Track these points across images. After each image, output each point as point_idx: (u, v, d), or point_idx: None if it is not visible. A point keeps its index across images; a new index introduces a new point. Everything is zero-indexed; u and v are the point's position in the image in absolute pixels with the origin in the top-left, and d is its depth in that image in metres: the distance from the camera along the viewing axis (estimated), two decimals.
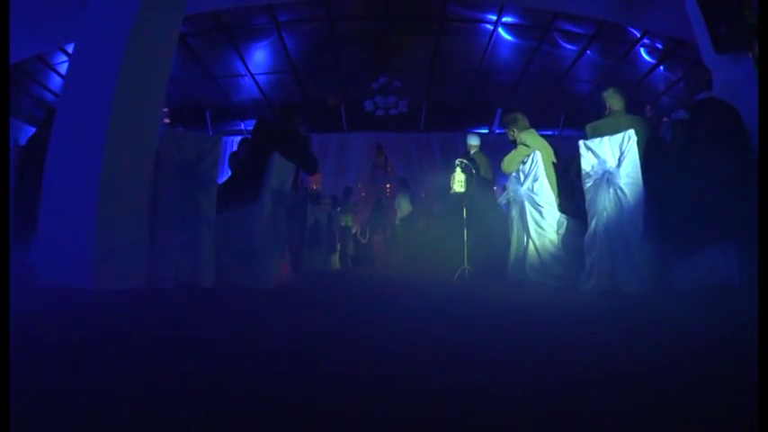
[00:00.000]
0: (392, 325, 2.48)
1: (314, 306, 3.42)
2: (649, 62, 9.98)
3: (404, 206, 10.41)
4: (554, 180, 4.72)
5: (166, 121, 8.17)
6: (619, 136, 4.02)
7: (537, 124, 5.40)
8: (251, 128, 5.34)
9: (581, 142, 4.24)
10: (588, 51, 9.79)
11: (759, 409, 0.83)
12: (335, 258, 9.16)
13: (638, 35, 9.16)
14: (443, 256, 6.41)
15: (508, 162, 5.16)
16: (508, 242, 5.06)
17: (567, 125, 11.80)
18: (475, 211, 5.67)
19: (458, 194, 5.72)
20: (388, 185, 13.13)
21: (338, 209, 9.69)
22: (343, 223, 9.77)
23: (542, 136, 5.14)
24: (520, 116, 5.30)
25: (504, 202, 5.16)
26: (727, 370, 1.36)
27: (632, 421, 0.95)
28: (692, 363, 1.49)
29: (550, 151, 4.96)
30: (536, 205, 4.62)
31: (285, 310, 3.07)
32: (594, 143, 4.14)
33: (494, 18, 8.98)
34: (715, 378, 1.28)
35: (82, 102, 3.90)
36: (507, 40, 9.64)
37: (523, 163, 4.83)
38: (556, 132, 11.88)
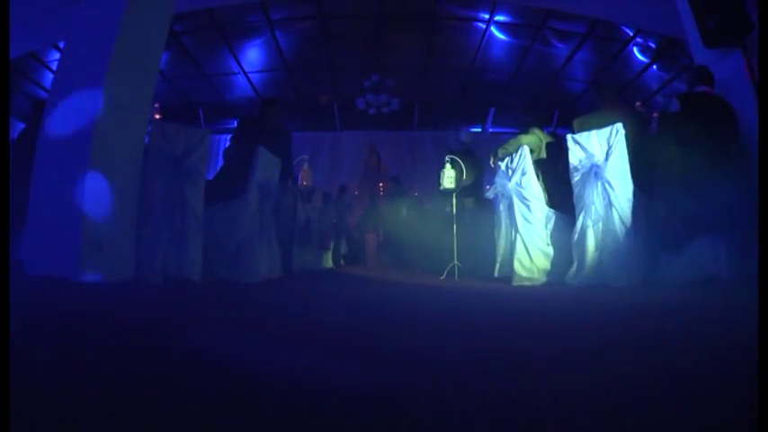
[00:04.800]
0: (376, 313, 2.49)
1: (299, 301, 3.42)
2: (642, 61, 10.00)
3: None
4: (539, 174, 4.73)
5: (157, 116, 8.14)
6: (606, 130, 4.02)
7: (531, 123, 5.42)
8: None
9: (569, 136, 4.24)
10: (581, 50, 9.80)
11: (759, 409, 0.82)
12: (328, 257, 9.13)
13: (631, 34, 9.17)
14: (434, 253, 6.43)
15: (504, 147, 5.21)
16: (496, 238, 5.05)
17: (561, 124, 11.81)
18: (462, 206, 5.69)
19: (448, 190, 5.74)
20: (381, 184, 13.12)
21: (328, 206, 9.65)
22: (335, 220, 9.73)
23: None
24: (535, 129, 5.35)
25: (492, 196, 5.17)
26: (717, 364, 1.34)
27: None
28: (681, 357, 1.47)
29: (540, 146, 4.98)
30: (524, 200, 4.61)
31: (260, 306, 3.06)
32: (582, 137, 4.14)
33: (486, 16, 8.98)
34: (705, 372, 1.27)
35: (71, 96, 3.90)
36: (500, 39, 9.64)
37: (511, 158, 4.83)
38: (549, 130, 11.86)
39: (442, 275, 5.48)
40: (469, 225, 5.92)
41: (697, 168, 3.75)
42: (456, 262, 5.43)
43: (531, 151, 4.80)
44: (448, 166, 5.72)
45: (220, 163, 6.48)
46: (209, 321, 2.12)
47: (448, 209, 5.85)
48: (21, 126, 6.64)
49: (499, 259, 4.94)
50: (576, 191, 4.17)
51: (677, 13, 4.82)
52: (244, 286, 3.96)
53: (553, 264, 4.53)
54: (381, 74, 10.55)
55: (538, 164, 4.82)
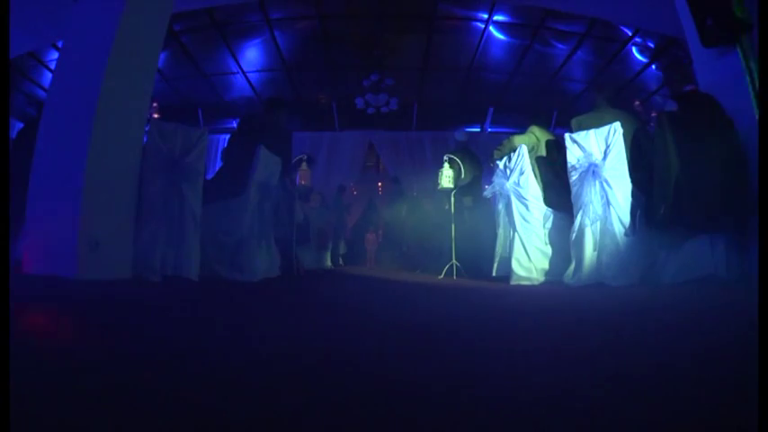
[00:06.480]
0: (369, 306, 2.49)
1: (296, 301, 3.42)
2: (641, 61, 10.00)
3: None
4: (539, 173, 4.72)
5: (155, 116, 8.13)
6: (605, 128, 4.02)
7: (528, 122, 5.40)
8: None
9: (567, 135, 4.24)
10: (580, 50, 9.79)
11: (759, 409, 0.82)
12: (327, 257, 9.12)
13: (630, 33, 9.17)
14: (433, 253, 6.43)
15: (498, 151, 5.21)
16: (494, 237, 5.05)
17: (559, 124, 11.80)
18: (460, 206, 5.69)
19: (446, 190, 5.74)
20: (379, 184, 13.08)
21: (327, 205, 9.63)
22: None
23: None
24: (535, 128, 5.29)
25: (490, 195, 5.16)
26: (716, 363, 1.34)
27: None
28: (679, 356, 1.46)
29: (538, 144, 4.97)
30: (522, 199, 4.60)
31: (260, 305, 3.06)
32: (580, 136, 4.14)
33: (485, 16, 8.98)
34: (704, 371, 1.26)
35: (69, 95, 3.92)
36: (499, 39, 9.64)
37: (509, 157, 4.82)
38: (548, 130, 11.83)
39: (440, 275, 5.48)
40: (468, 224, 5.92)
41: (695, 167, 3.75)
42: (454, 261, 5.43)
43: (530, 150, 4.79)
44: (446, 165, 5.73)
45: (219, 163, 6.48)
46: (207, 320, 2.13)
47: (446, 207, 5.84)
48: (20, 126, 6.63)
49: (497, 258, 4.94)
50: (574, 190, 4.17)
51: (676, 13, 4.82)
52: (242, 285, 3.96)
53: (551, 263, 4.52)
54: (380, 73, 10.53)
55: (537, 162, 4.81)
